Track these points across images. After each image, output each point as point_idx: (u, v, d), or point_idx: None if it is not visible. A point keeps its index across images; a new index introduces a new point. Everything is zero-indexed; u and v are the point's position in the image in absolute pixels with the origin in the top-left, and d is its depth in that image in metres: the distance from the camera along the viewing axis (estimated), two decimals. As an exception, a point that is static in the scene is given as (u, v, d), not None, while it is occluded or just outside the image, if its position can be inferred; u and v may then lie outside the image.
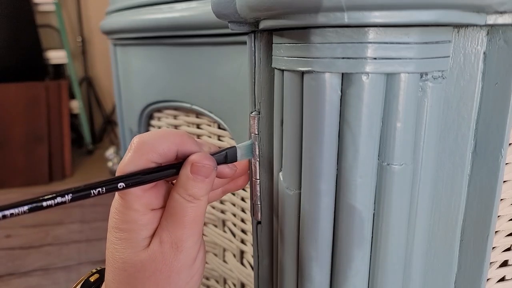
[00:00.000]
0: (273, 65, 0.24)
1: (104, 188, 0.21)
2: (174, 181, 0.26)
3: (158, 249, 0.24)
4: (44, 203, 0.20)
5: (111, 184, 0.22)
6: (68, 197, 0.20)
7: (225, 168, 0.26)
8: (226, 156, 0.26)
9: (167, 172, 0.24)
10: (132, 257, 0.24)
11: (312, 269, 0.24)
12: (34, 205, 0.19)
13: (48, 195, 0.20)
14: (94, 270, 0.29)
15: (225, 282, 0.49)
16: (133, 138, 0.24)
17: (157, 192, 0.24)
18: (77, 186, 0.21)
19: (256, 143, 0.27)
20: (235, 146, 0.26)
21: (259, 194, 0.29)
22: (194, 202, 0.24)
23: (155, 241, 0.24)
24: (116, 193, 0.24)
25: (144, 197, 0.24)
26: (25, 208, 0.19)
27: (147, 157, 0.23)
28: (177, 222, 0.24)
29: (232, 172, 0.27)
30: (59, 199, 0.20)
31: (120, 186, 0.22)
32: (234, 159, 0.26)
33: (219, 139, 0.43)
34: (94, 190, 0.21)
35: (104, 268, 0.29)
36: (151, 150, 0.23)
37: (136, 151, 0.23)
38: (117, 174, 0.23)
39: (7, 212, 0.18)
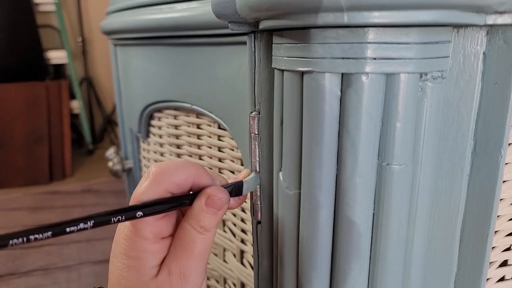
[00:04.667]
0: (273, 65, 0.24)
1: (123, 216, 0.22)
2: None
3: (167, 279, 0.24)
4: (67, 229, 0.20)
5: (130, 213, 0.22)
6: (90, 224, 0.21)
7: (231, 201, 0.27)
8: (232, 190, 0.26)
9: (182, 202, 0.24)
10: (139, 287, 0.24)
11: (311, 270, 0.24)
12: (58, 230, 0.20)
13: (71, 221, 0.20)
14: None
15: (225, 282, 0.49)
16: (151, 166, 0.24)
17: (168, 220, 0.25)
18: (99, 213, 0.21)
19: (259, 171, 0.28)
20: (242, 181, 0.27)
21: (259, 194, 0.29)
22: (205, 234, 0.24)
23: (163, 271, 0.24)
24: None
25: (156, 225, 0.24)
26: (49, 233, 0.20)
27: (164, 187, 0.23)
28: (187, 253, 0.24)
29: (237, 205, 0.27)
30: (81, 225, 0.21)
31: (139, 215, 0.22)
32: (239, 193, 0.27)
33: (219, 139, 0.43)
34: (114, 218, 0.22)
35: None
36: (169, 181, 0.24)
37: (154, 181, 0.23)
38: (133, 202, 0.23)
39: (32, 237, 0.19)
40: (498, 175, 0.23)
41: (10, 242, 0.18)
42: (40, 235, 0.19)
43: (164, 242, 0.25)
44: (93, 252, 1.18)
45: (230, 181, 0.27)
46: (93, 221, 0.21)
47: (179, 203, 0.24)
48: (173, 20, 0.40)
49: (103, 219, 0.21)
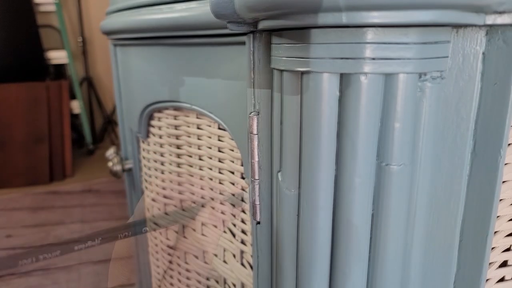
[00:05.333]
0: (272, 66, 0.24)
1: (129, 232, 0.23)
2: None
3: None
4: (76, 247, 0.21)
5: (136, 228, 0.23)
6: (97, 241, 0.21)
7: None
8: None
9: None
10: None
11: (311, 271, 0.24)
12: (66, 249, 0.20)
13: (79, 239, 0.21)
14: None
15: (225, 282, 0.49)
16: None
17: None
18: (107, 229, 0.22)
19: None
20: None
21: (258, 194, 0.29)
22: None
23: None
24: None
25: None
26: (58, 252, 0.20)
27: None
28: None
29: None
30: (89, 243, 0.21)
31: (144, 230, 0.23)
32: None
33: (219, 140, 0.43)
34: (121, 234, 0.22)
35: None
36: None
37: None
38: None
39: (41, 256, 0.19)
40: (498, 176, 0.23)
41: (20, 262, 0.19)
42: (49, 254, 0.20)
43: None
44: (93, 252, 1.18)
45: (229, 191, 0.27)
46: (100, 238, 0.21)
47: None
48: (173, 20, 0.40)
49: (110, 235, 0.22)
